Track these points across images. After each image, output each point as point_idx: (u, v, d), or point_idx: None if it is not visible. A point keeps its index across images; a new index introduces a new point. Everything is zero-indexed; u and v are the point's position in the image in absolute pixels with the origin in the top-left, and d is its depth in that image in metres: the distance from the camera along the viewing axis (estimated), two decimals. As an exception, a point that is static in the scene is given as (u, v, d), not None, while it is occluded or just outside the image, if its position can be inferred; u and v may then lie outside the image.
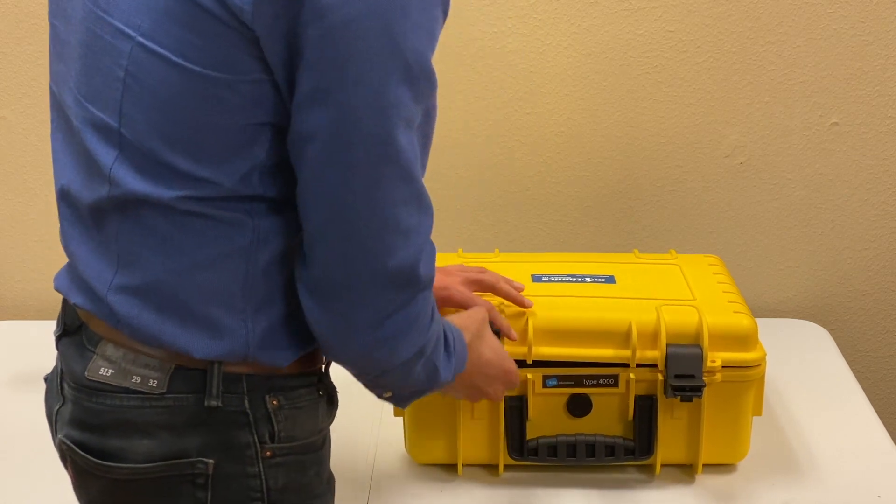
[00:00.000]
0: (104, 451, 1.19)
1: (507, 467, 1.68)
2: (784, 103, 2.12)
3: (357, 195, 1.09)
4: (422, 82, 1.09)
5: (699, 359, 1.59)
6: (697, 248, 2.17)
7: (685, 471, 1.69)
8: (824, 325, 2.18)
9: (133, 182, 1.12)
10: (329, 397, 1.29)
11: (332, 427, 1.80)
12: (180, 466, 1.18)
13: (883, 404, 2.24)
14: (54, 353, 1.24)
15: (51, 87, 1.24)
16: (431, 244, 1.18)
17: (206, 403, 1.16)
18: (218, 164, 1.11)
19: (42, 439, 1.81)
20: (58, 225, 1.24)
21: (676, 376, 1.59)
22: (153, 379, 1.17)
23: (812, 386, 1.94)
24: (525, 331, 1.61)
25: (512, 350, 1.58)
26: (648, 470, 1.68)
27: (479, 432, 1.66)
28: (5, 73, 2.14)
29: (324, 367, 1.28)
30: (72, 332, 1.24)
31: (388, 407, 1.72)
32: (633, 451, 1.65)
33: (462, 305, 1.56)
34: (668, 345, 1.60)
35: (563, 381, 1.63)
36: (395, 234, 1.12)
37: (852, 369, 2.02)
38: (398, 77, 1.07)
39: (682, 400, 1.59)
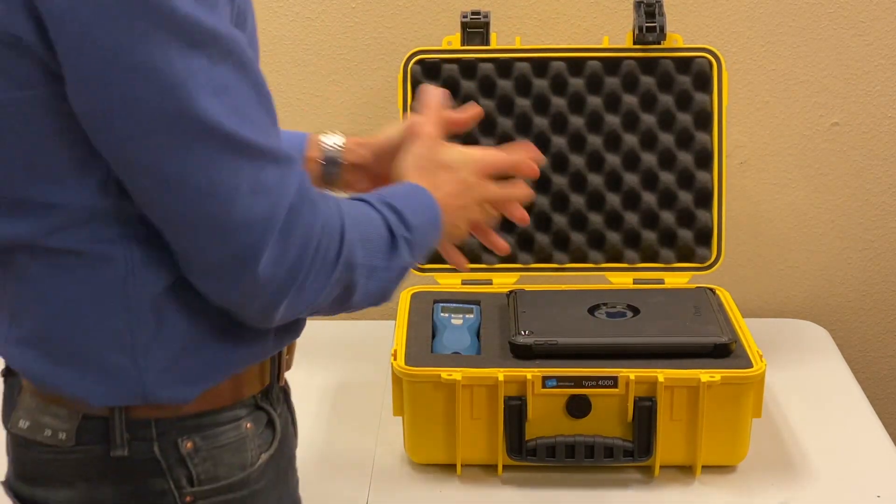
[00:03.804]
0: (33, 499, 1.17)
1: (505, 468, 1.68)
2: (784, 103, 2.12)
3: (192, 188, 1.01)
4: (208, 41, 0.99)
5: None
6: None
7: (684, 472, 1.68)
8: (824, 325, 2.18)
9: None
10: (269, 424, 1.20)
11: (333, 427, 1.81)
12: None
13: (883, 404, 2.24)
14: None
15: None
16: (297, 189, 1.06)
17: (111, 454, 1.11)
18: (66, 184, 1.05)
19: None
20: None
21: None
22: (62, 431, 1.12)
23: (811, 386, 1.94)
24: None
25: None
26: (647, 471, 1.68)
27: (478, 432, 1.66)
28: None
29: (260, 393, 1.19)
30: (10, 374, 1.20)
31: (388, 407, 1.71)
32: (632, 452, 1.64)
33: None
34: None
35: (562, 381, 1.62)
36: (253, 198, 1.03)
37: (852, 369, 2.01)
38: (176, 46, 0.97)
39: None
